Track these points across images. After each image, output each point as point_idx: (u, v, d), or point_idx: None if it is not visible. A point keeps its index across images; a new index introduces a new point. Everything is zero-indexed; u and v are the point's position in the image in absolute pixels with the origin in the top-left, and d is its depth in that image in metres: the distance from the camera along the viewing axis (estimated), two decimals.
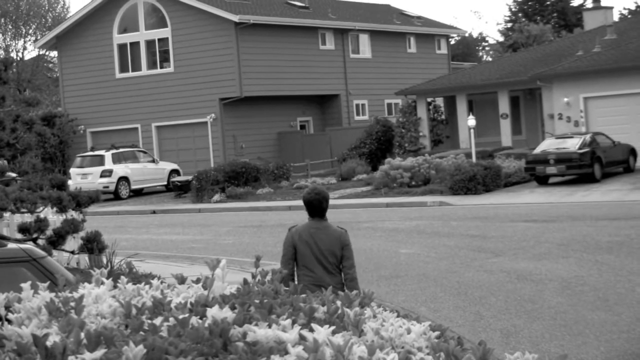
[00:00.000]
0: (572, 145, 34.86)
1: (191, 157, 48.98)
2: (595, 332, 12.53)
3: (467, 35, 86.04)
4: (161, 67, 50.17)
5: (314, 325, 3.36)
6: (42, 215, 15.90)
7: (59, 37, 52.28)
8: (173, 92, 49.08)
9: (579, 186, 33.98)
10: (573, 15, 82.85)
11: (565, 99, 40.48)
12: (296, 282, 9.72)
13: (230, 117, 48.54)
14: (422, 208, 31.87)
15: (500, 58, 61.07)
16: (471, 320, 13.71)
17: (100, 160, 44.14)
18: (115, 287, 4.25)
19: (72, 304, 3.87)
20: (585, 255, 18.75)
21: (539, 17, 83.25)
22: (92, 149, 47.85)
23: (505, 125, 44.97)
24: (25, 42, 73.53)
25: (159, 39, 49.93)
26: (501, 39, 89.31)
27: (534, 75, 42.01)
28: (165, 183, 46.16)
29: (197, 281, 4.33)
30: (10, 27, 72.32)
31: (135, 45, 50.62)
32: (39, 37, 67.37)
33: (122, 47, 51.05)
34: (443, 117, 48.51)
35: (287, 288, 4.35)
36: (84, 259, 18.71)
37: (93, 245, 15.86)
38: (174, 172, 46.78)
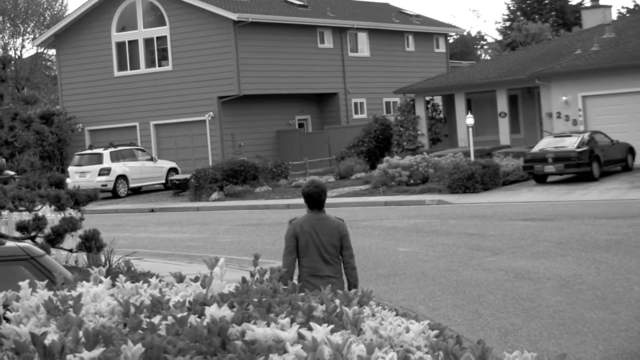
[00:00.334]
0: (571, 144, 34.88)
1: (189, 156, 48.97)
2: (594, 331, 12.53)
3: (465, 34, 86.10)
4: (159, 66, 50.16)
5: (312, 324, 3.36)
6: (40, 214, 15.89)
7: (57, 36, 52.26)
8: (171, 91, 49.07)
9: (577, 185, 33.99)
10: (571, 14, 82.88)
11: (564, 98, 40.49)
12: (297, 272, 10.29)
13: (229, 115, 48.53)
14: (421, 207, 31.88)
15: (498, 57, 61.09)
16: (470, 319, 13.71)
17: (98, 159, 44.12)
18: (113, 285, 4.25)
19: (71, 302, 3.86)
20: (584, 254, 18.76)
21: (537, 16, 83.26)
22: (91, 147, 47.85)
23: (504, 124, 44.98)
24: (23, 40, 73.56)
25: (157, 37, 49.91)
26: (500, 37, 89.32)
27: (532, 74, 42.01)
28: (164, 181, 46.15)
29: (196, 280, 4.33)
30: (8, 25, 72.31)
31: (133, 43, 50.60)
32: (37, 35, 67.32)
33: (120, 46, 51.03)
34: (441, 115, 48.53)
35: (285, 287, 4.34)
36: (82, 257, 18.71)
37: (91, 243, 15.84)
38: (173, 170, 46.76)
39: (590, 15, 52.31)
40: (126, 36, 50.70)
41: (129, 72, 50.81)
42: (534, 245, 20.33)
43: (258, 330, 3.38)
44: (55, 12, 74.00)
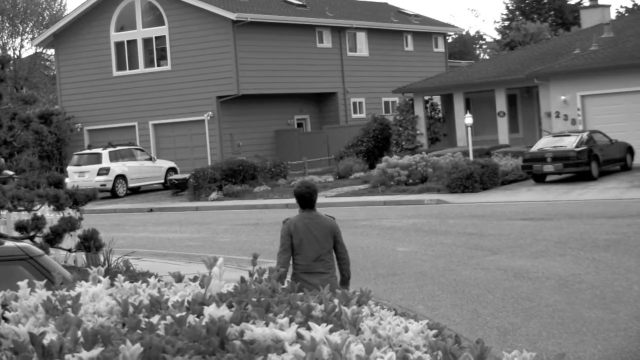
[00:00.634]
0: (569, 143, 34.88)
1: (188, 155, 48.96)
2: (593, 330, 12.53)
3: (464, 33, 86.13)
4: (158, 65, 50.16)
5: (311, 323, 3.35)
6: (39, 213, 15.89)
7: (56, 35, 52.24)
8: (170, 90, 49.06)
9: (576, 184, 33.99)
10: (570, 13, 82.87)
11: (563, 97, 40.48)
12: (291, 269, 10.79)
13: (228, 115, 48.53)
14: (420, 206, 31.88)
15: (497, 56, 61.08)
16: (468, 318, 13.71)
17: (97, 159, 44.11)
18: (112, 285, 4.25)
19: (69, 302, 3.86)
20: (583, 253, 18.76)
21: (536, 16, 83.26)
22: (90, 147, 47.83)
23: (503, 124, 44.97)
24: (22, 40, 73.52)
25: (156, 37, 49.91)
26: (498, 37, 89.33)
27: (531, 74, 42.01)
28: (163, 181, 46.14)
29: (195, 279, 4.33)
30: (7, 25, 72.28)
31: (132, 43, 50.59)
32: (36, 35, 67.31)
33: (119, 45, 51.02)
34: (440, 115, 48.52)
35: (283, 287, 4.34)
36: (81, 257, 18.70)
37: (90, 243, 15.84)
38: (171, 170, 46.76)
39: (589, 15, 52.32)
40: (125, 36, 50.69)
41: (127, 71, 50.80)
42: (533, 245, 20.33)
43: (257, 330, 3.37)
44: (54, 12, 73.98)
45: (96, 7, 50.88)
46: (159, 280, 4.37)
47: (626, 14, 78.15)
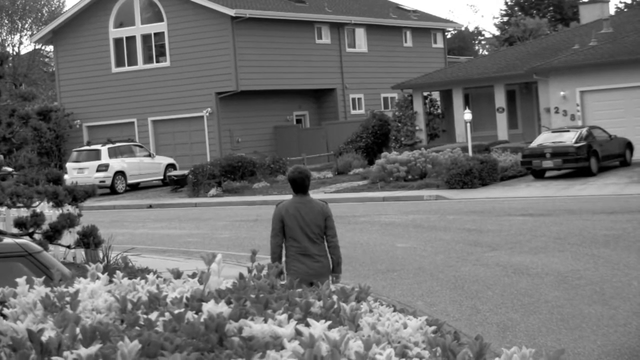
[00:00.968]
0: (569, 139, 34.87)
1: (187, 152, 48.97)
2: (592, 326, 12.53)
3: (463, 29, 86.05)
4: (157, 62, 50.15)
5: (310, 320, 3.35)
6: (38, 210, 15.88)
7: (55, 32, 52.22)
8: (169, 87, 49.06)
9: (576, 180, 33.99)
10: (569, 9, 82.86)
11: (562, 93, 40.48)
12: (284, 253, 11.20)
13: (227, 111, 48.53)
14: (419, 202, 31.88)
15: (496, 52, 61.07)
16: (468, 314, 13.71)
17: (96, 155, 44.10)
18: (111, 281, 4.24)
19: (68, 298, 3.86)
20: (582, 249, 18.76)
21: (535, 11, 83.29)
22: (89, 144, 47.77)
23: (502, 119, 44.97)
24: (21, 36, 73.47)
25: (155, 34, 49.89)
26: (497, 32, 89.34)
27: (530, 69, 42.00)
28: (162, 177, 46.14)
29: (193, 276, 4.32)
30: (6, 21, 72.23)
31: (131, 39, 50.57)
32: (35, 32, 67.27)
33: (118, 42, 51.01)
34: (439, 111, 48.52)
35: (282, 282, 4.34)
36: (81, 253, 18.71)
37: (89, 239, 15.84)
38: (171, 166, 46.76)
39: (588, 10, 52.28)
40: (124, 32, 50.67)
41: (126, 68, 50.79)
42: (532, 241, 20.34)
43: (255, 327, 3.37)
44: (53, 9, 73.95)
45: (95, 4, 50.85)
46: (157, 277, 4.37)
47: (625, 10, 78.14)
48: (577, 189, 31.61)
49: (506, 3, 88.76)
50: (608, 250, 18.44)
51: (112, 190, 43.80)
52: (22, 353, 3.21)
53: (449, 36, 73.92)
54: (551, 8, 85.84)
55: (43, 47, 70.87)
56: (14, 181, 16.06)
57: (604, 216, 23.80)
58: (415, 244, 21.14)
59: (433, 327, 3.69)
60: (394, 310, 3.99)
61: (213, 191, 38.82)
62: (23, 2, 72.07)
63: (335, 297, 4.00)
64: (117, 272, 4.33)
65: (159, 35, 49.76)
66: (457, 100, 46.11)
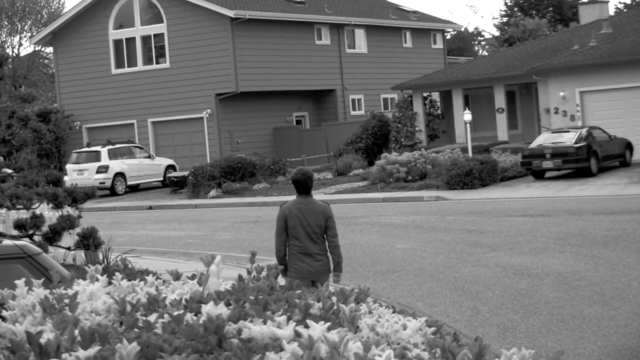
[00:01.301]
0: (568, 139, 34.87)
1: (187, 153, 48.97)
2: (592, 327, 12.52)
3: (462, 29, 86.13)
4: (157, 63, 50.15)
5: (309, 321, 3.34)
6: (38, 212, 15.88)
7: (55, 33, 52.22)
8: (169, 88, 49.06)
9: (575, 180, 33.99)
10: (569, 9, 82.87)
11: (561, 93, 40.48)
12: (287, 251, 11.63)
13: (226, 112, 48.53)
14: (419, 203, 31.87)
15: (496, 52, 61.07)
16: (468, 315, 13.70)
17: (96, 156, 44.09)
18: (110, 283, 4.24)
19: (67, 301, 3.85)
20: (582, 249, 18.75)
21: (534, 12, 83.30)
22: (88, 145, 47.78)
23: (502, 120, 44.97)
24: (21, 38, 73.50)
25: (154, 35, 49.90)
26: (497, 33, 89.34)
27: (529, 70, 42.00)
28: (162, 179, 46.12)
29: (192, 277, 4.32)
30: (5, 23, 72.25)
31: (131, 41, 50.58)
32: (34, 33, 67.29)
33: (117, 43, 51.01)
34: (439, 111, 48.51)
35: (281, 284, 4.33)
36: (80, 255, 18.69)
37: (89, 241, 15.84)
38: (170, 167, 46.75)
39: (588, 11, 52.30)
40: (123, 34, 50.67)
41: (126, 69, 50.79)
42: (532, 241, 20.33)
43: (254, 328, 3.36)
44: (52, 10, 73.96)
45: (94, 5, 50.86)
46: (157, 278, 4.36)
47: (625, 10, 78.16)
48: (577, 189, 31.61)
49: (506, 4, 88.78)
50: (608, 250, 18.43)
51: (112, 192, 43.79)
52: (21, 355, 3.21)
53: (448, 37, 73.94)
54: (551, 8, 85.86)
55: (43, 49, 70.87)
56: (14, 183, 16.06)
57: (603, 217, 23.79)
58: (415, 244, 21.13)
59: (432, 329, 3.69)
60: (394, 312, 3.99)
61: (213, 192, 38.82)
62: (23, 4, 72.09)
63: (334, 299, 3.99)
64: (117, 273, 4.32)
65: (158, 36, 49.77)
66: (457, 101, 46.10)
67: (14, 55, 71.82)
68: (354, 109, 54.80)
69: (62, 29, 51.92)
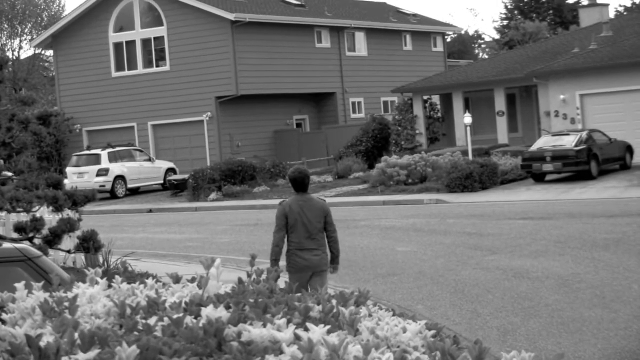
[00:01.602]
0: (569, 142, 34.87)
1: (188, 156, 48.96)
2: (593, 330, 12.52)
3: (463, 33, 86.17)
4: (157, 66, 50.15)
5: (309, 324, 3.34)
6: (38, 215, 15.87)
7: (55, 36, 52.24)
8: (169, 91, 49.07)
9: (576, 184, 33.99)
10: (569, 12, 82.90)
11: (562, 97, 40.48)
12: (286, 247, 12.01)
13: (227, 115, 48.53)
14: (419, 206, 31.87)
15: (496, 56, 61.07)
16: (468, 318, 13.70)
17: (96, 160, 44.10)
18: (110, 286, 4.24)
19: (67, 304, 3.85)
20: (582, 252, 18.75)
21: (535, 15, 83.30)
22: (89, 148, 47.82)
23: (502, 123, 44.98)
24: (21, 41, 73.49)
25: (155, 38, 49.90)
26: (497, 36, 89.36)
27: (530, 73, 42.00)
28: (162, 182, 46.12)
29: (192, 280, 4.32)
30: (6, 26, 72.27)
31: (131, 44, 50.58)
32: (35, 37, 67.28)
33: (118, 46, 51.02)
34: (439, 114, 48.52)
35: (282, 287, 4.33)
36: (81, 258, 18.69)
37: (89, 244, 15.82)
38: (171, 170, 46.75)
39: (588, 14, 52.33)
40: (124, 37, 50.68)
41: (126, 72, 50.80)
42: (533, 245, 20.32)
43: (254, 331, 3.36)
44: (52, 13, 73.97)
45: (95, 8, 50.87)
46: (157, 282, 4.36)
47: (625, 13, 78.19)
48: (578, 192, 31.60)
49: (506, 7, 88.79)
50: (608, 253, 18.42)
51: (112, 195, 43.79)
52: (21, 358, 3.21)
53: (449, 40, 73.97)
54: (551, 12, 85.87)
55: (43, 52, 70.94)
56: (14, 186, 16.06)
57: (604, 220, 23.79)
58: (415, 248, 21.12)
59: (433, 332, 3.68)
60: (394, 315, 3.99)
61: (213, 196, 38.82)
62: (23, 7, 72.12)
63: (334, 302, 3.99)
64: (117, 277, 4.32)
65: (159, 39, 49.77)
66: (457, 104, 46.11)
67: (15, 58, 71.83)
68: (354, 112, 54.80)
69: (63, 32, 51.94)
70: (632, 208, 26.00)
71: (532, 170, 35.29)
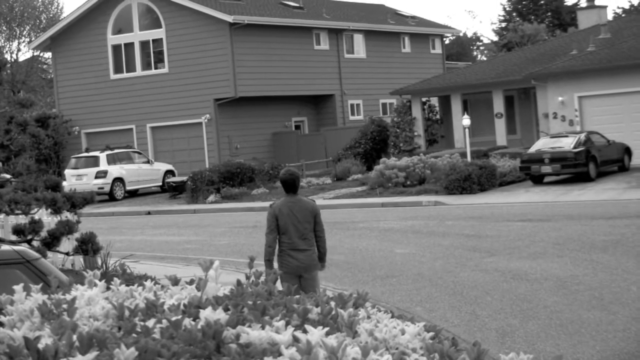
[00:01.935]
0: (567, 144, 34.87)
1: (186, 158, 48.95)
2: (591, 332, 12.52)
3: (461, 34, 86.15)
4: (156, 68, 50.14)
5: (307, 326, 3.34)
6: (36, 217, 15.86)
7: (53, 38, 52.23)
8: (168, 93, 49.06)
9: (574, 185, 33.99)
10: (567, 14, 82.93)
11: (560, 98, 40.49)
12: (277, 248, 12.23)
13: (225, 117, 48.52)
14: (417, 208, 31.87)
15: (494, 57, 61.08)
16: (467, 320, 13.70)
17: (95, 162, 44.08)
18: (108, 288, 4.23)
19: (65, 306, 3.85)
20: (581, 254, 18.75)
21: (533, 17, 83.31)
22: (87, 150, 47.80)
23: (500, 125, 44.98)
24: (19, 43, 73.48)
25: (153, 40, 49.90)
26: (495, 38, 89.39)
27: (528, 75, 42.01)
28: (160, 184, 46.11)
29: (191, 282, 4.31)
30: (4, 28, 72.27)
31: (129, 46, 50.57)
32: (33, 39, 67.30)
33: (116, 48, 51.01)
34: (438, 116, 48.53)
35: (280, 289, 4.33)
36: (79, 260, 18.69)
37: (88, 246, 15.82)
38: (169, 172, 46.74)
39: (586, 16, 52.33)
40: (122, 39, 50.67)
41: (125, 74, 50.79)
42: (531, 246, 20.32)
43: (253, 333, 3.36)
44: (51, 15, 73.97)
45: (93, 10, 50.87)
46: (155, 284, 4.36)
47: (623, 15, 78.22)
48: (576, 194, 31.61)
49: (504, 9, 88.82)
50: (607, 255, 18.43)
51: (111, 197, 43.78)
52: None
53: (447, 42, 73.96)
54: (549, 14, 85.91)
55: (41, 54, 70.94)
56: (12, 188, 16.05)
57: (602, 221, 23.80)
58: (414, 249, 21.12)
59: (431, 333, 3.68)
60: (392, 316, 3.98)
61: (212, 197, 38.81)
62: (21, 9, 72.11)
63: (333, 304, 3.99)
64: (115, 279, 4.32)
65: (157, 41, 49.77)
66: (456, 105, 46.11)
67: (13, 60, 71.82)
68: (352, 114, 54.81)
69: (61, 34, 51.93)
70: (631, 209, 26.00)
71: (531, 172, 35.29)
